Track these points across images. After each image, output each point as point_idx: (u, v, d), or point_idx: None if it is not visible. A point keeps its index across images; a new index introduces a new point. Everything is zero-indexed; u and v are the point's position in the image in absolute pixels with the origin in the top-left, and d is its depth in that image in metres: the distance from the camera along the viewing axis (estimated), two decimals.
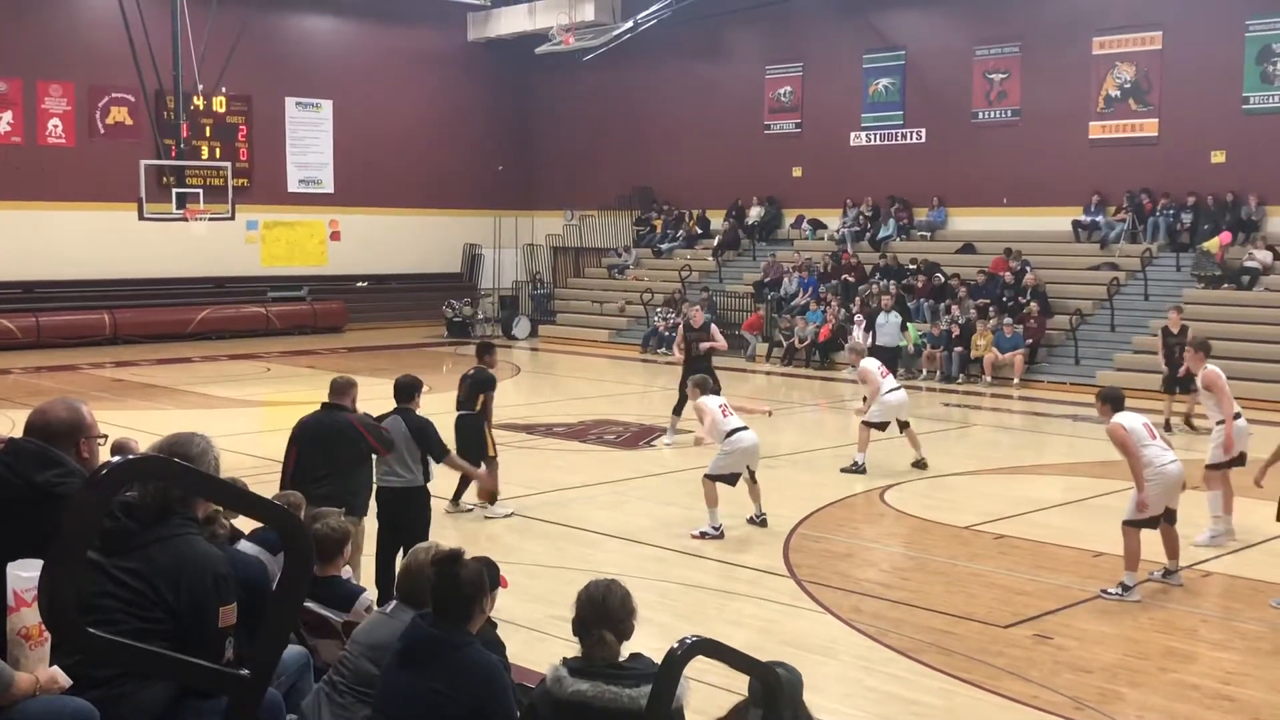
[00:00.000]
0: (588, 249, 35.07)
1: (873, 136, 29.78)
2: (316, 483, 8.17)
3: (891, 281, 25.78)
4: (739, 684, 3.88)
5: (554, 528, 11.82)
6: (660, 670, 3.43)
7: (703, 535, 11.38)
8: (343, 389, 8.89)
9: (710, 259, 31.02)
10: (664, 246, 32.85)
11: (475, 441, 11.92)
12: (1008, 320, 23.33)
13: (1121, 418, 9.83)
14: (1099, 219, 25.83)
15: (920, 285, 25.99)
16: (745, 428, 11.86)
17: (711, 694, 4.08)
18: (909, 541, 11.67)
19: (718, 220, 32.27)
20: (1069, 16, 26.46)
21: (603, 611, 4.19)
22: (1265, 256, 23.04)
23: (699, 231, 32.68)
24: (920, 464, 14.52)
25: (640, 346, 28.55)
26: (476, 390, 12.05)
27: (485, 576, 4.51)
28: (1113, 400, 10.03)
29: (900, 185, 28.98)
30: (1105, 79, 26.04)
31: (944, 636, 8.70)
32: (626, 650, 4.24)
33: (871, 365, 14.91)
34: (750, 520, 11.82)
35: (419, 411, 9.45)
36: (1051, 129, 26.48)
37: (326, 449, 8.53)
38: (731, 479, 11.69)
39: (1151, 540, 9.84)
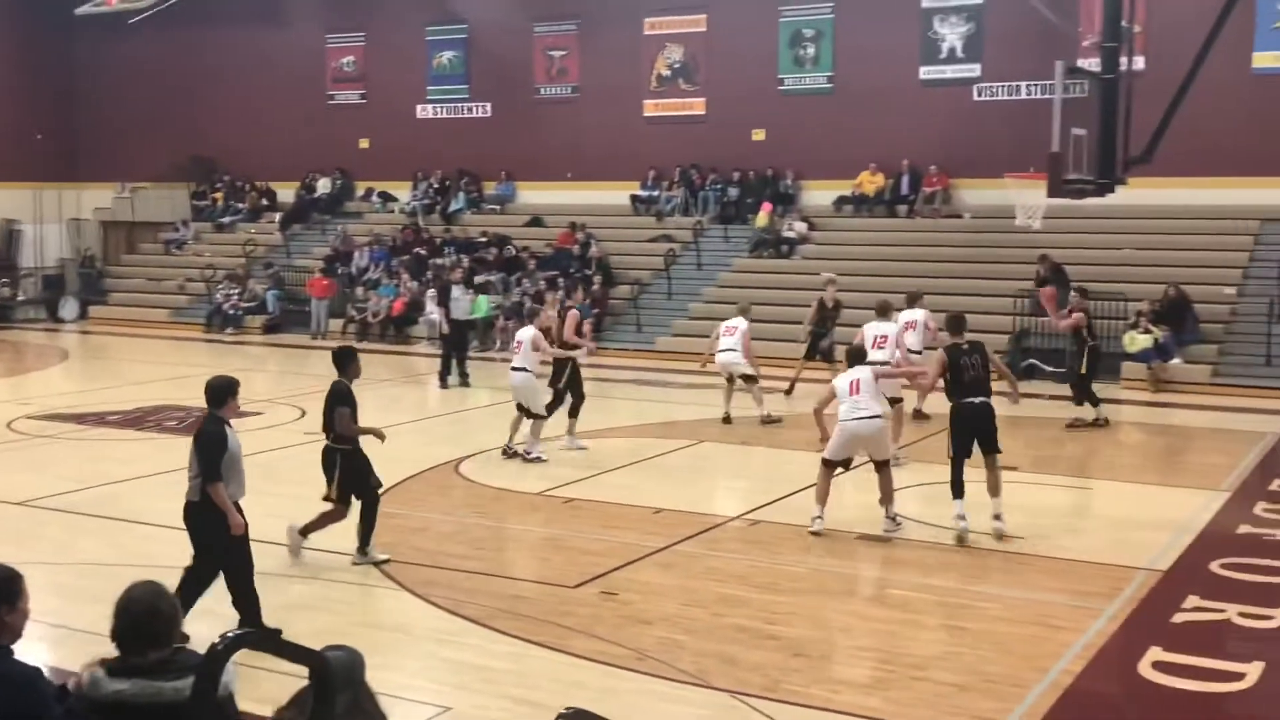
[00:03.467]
0: (142, 223, 32.89)
1: (439, 110, 29.78)
2: None
3: (463, 255, 25.96)
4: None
5: (110, 523, 11.12)
6: (203, 663, 3.30)
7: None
8: None
9: (276, 233, 30.01)
10: (225, 220, 31.46)
11: (353, 472, 9.93)
12: (576, 291, 24.09)
13: (841, 375, 10.91)
14: (655, 193, 27.15)
15: (492, 258, 26.33)
16: (516, 368, 13.77)
17: (287, 681, 3.97)
18: (483, 511, 11.83)
19: (284, 192, 31.25)
20: None
21: (143, 620, 3.99)
22: (802, 227, 25.12)
23: (264, 204, 31.52)
24: (769, 419, 15.76)
25: (204, 325, 27.24)
26: (334, 405, 9.75)
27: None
28: (849, 356, 11.17)
29: (469, 159, 29.20)
30: (657, 59, 27.32)
31: (516, 602, 8.91)
32: None
33: (722, 325, 16.52)
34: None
35: (232, 419, 8.12)
36: (609, 106, 27.49)
37: None
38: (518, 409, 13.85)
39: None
